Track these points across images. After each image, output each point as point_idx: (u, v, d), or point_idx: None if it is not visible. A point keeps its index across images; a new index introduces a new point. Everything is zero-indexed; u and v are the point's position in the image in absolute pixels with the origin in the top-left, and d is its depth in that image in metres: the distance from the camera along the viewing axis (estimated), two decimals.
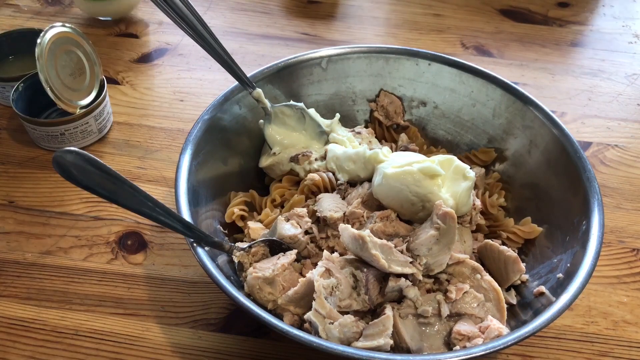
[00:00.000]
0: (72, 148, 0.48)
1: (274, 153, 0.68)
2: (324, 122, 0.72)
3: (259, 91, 0.67)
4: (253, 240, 0.61)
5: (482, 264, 0.59)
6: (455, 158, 0.61)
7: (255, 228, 0.62)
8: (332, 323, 0.50)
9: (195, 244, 0.53)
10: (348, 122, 0.76)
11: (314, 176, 0.65)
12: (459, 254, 0.57)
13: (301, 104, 0.70)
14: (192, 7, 0.63)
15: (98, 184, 0.49)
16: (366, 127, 0.76)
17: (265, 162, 0.69)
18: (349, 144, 0.69)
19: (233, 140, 0.68)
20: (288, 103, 0.70)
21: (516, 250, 0.63)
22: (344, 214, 0.61)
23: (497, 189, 0.69)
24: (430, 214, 0.56)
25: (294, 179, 0.68)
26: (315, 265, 0.56)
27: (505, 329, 0.52)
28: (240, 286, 0.56)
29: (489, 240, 0.61)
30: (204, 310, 0.61)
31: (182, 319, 0.61)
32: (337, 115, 0.72)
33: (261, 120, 0.69)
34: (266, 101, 0.68)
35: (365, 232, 0.52)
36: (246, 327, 0.60)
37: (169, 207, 0.53)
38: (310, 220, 0.62)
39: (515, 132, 0.70)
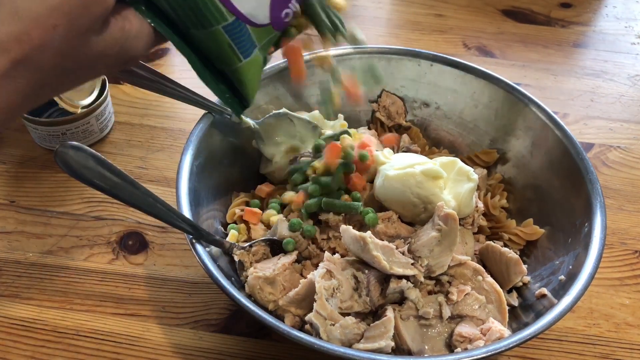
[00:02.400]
0: (74, 143, 0.48)
1: (276, 162, 0.68)
2: (328, 124, 0.71)
3: None
4: (254, 240, 0.61)
5: (484, 266, 0.59)
6: (458, 160, 0.61)
7: (256, 228, 0.62)
8: (334, 324, 0.50)
9: (194, 242, 0.53)
10: (350, 122, 0.75)
11: None
12: (461, 255, 0.56)
13: (283, 110, 0.68)
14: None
15: (99, 178, 0.49)
16: (368, 128, 0.76)
17: (265, 169, 0.69)
18: None
19: (235, 140, 0.68)
20: (270, 114, 0.68)
21: (518, 252, 0.63)
22: (345, 215, 0.60)
23: (499, 190, 0.69)
24: (432, 215, 0.56)
25: None
26: (316, 266, 0.55)
27: (506, 331, 0.52)
28: (241, 287, 0.56)
29: (491, 242, 0.61)
30: (204, 311, 0.61)
31: (182, 320, 0.60)
32: (341, 116, 0.72)
33: (254, 141, 0.67)
34: (249, 120, 0.66)
35: (367, 234, 0.52)
36: (247, 328, 0.60)
37: (169, 204, 0.53)
38: (311, 221, 0.61)
39: (518, 134, 0.70)
